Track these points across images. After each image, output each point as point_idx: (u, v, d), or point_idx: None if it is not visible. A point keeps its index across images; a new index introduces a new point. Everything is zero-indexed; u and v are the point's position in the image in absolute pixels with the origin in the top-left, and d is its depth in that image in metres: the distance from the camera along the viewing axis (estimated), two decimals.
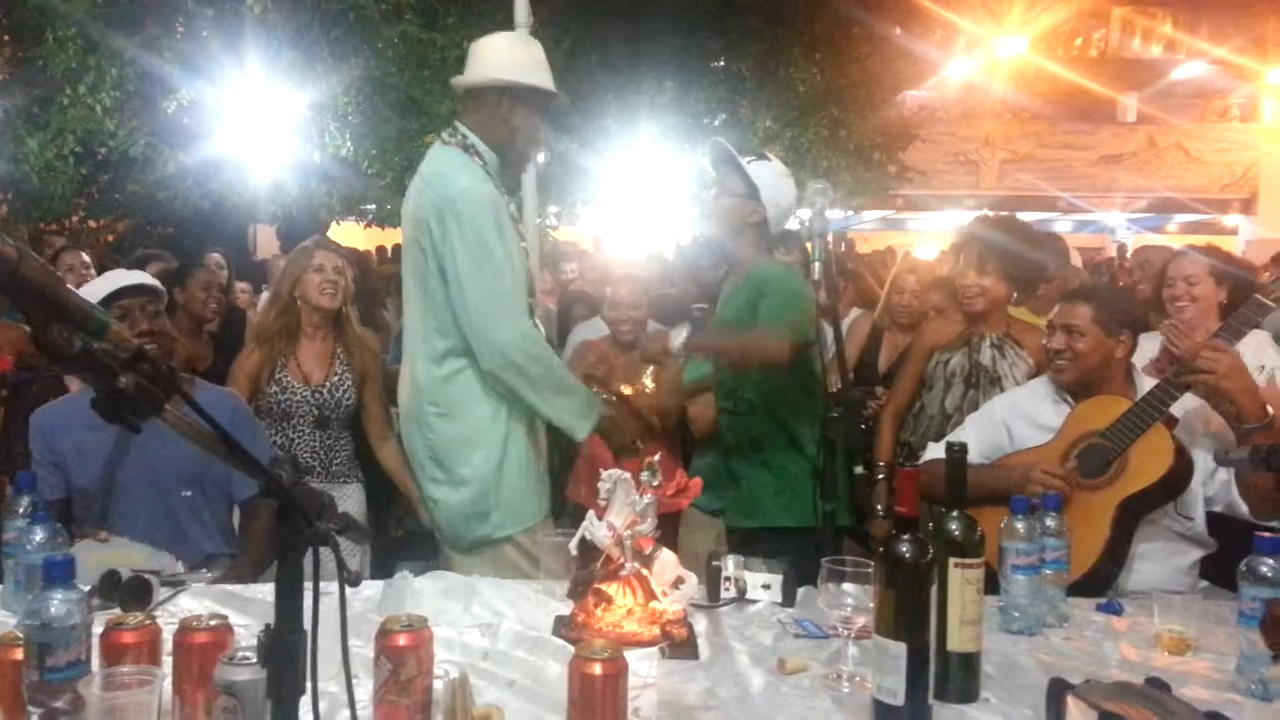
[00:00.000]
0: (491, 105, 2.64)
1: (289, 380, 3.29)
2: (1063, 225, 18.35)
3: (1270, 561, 1.81)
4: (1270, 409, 2.36)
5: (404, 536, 3.64)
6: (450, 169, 2.61)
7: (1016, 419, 2.74)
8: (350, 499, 3.40)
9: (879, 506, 3.26)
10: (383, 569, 3.66)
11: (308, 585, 1.23)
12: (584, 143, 7.27)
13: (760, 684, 1.76)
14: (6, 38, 7.15)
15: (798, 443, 2.94)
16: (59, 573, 1.44)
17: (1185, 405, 2.53)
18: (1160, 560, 2.53)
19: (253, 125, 6.67)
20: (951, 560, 1.73)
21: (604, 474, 2.00)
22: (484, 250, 2.52)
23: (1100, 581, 2.43)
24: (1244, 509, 2.47)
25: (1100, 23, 18.66)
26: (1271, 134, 17.79)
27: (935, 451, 2.76)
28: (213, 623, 1.57)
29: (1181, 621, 2.07)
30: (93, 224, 8.10)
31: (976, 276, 3.18)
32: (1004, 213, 3.94)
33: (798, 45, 8.04)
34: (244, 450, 1.18)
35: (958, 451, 1.84)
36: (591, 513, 2.01)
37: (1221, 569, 2.52)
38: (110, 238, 8.11)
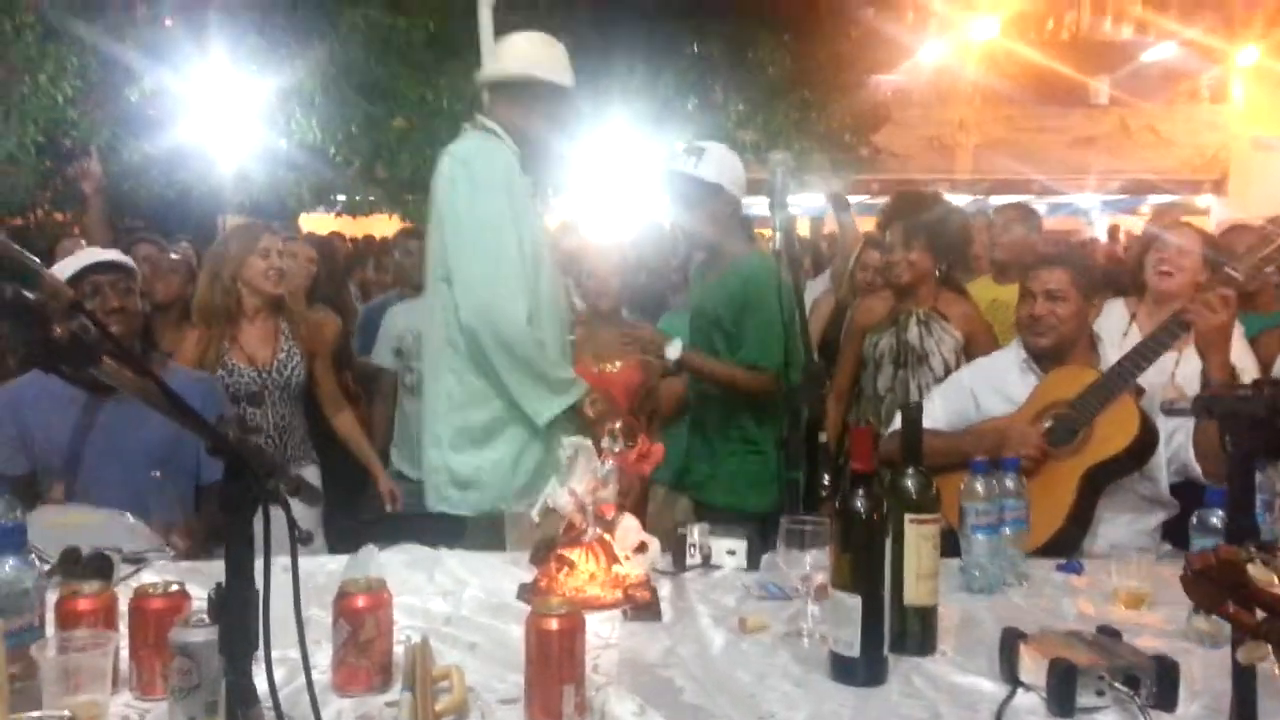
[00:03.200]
0: (513, 100, 2.68)
1: (235, 363, 3.23)
2: (1036, 208, 18.44)
3: (1220, 513, 1.84)
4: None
5: (376, 519, 3.62)
6: (471, 141, 2.67)
7: (984, 388, 2.77)
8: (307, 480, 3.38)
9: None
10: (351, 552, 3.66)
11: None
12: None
13: (721, 642, 1.77)
14: None
15: (767, 422, 2.99)
16: (9, 539, 1.43)
17: (1151, 379, 2.56)
18: (1125, 524, 2.56)
19: (218, 113, 6.61)
20: (907, 516, 1.75)
21: (564, 441, 2.01)
22: (488, 209, 2.53)
23: (1065, 546, 2.45)
24: (1198, 471, 2.51)
25: (1071, 4, 18.78)
26: (1241, 115, 17.96)
27: (899, 423, 2.79)
28: (170, 589, 1.57)
29: (1138, 577, 2.10)
30: (59, 217, 8.01)
31: (903, 251, 3.24)
32: (920, 190, 4.04)
33: (765, 28, 8.05)
34: (188, 406, 1.18)
35: (913, 411, 1.86)
36: (554, 479, 2.02)
37: (1182, 531, 2.57)
38: (77, 230, 8.00)
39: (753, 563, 2.19)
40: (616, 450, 1.98)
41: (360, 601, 1.55)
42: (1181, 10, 17.66)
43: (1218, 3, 17.15)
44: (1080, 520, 2.51)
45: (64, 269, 2.64)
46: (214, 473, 2.78)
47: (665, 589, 2.05)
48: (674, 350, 3.00)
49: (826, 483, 3.04)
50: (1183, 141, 17.91)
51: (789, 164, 2.54)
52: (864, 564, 1.60)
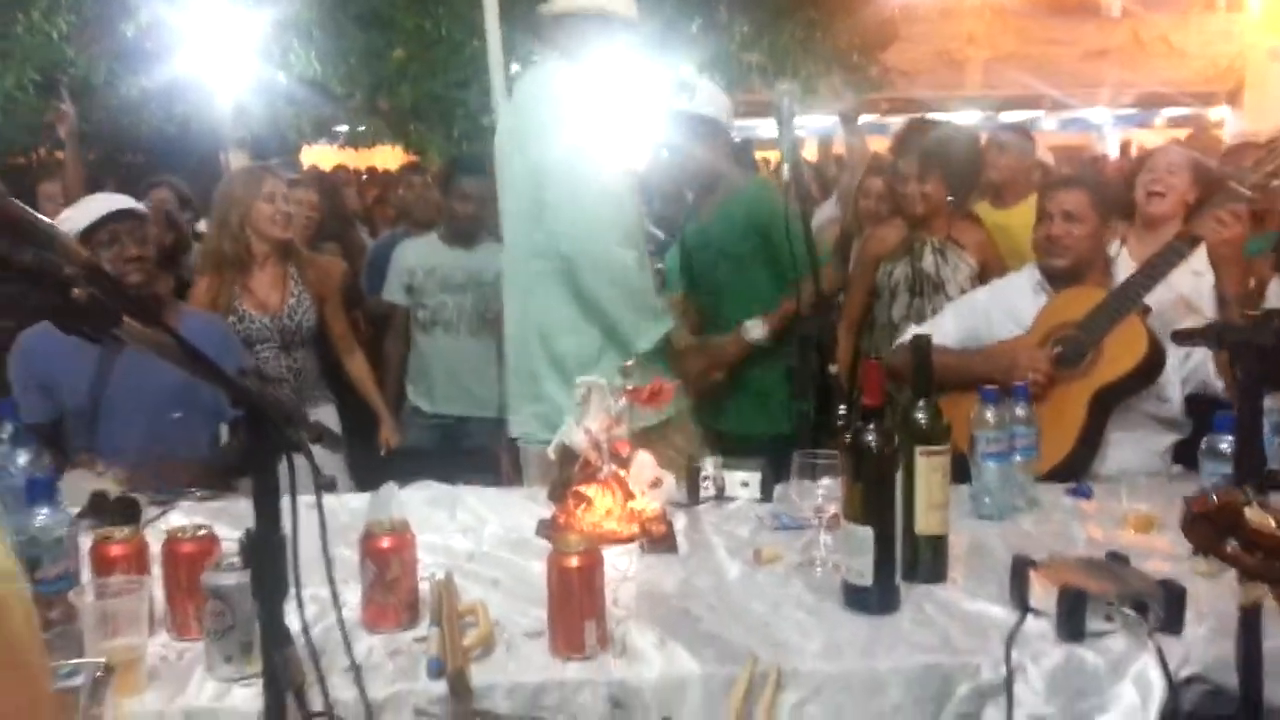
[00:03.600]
0: (580, 34, 2.65)
1: (246, 310, 3.25)
2: (1048, 124, 18.19)
3: (1229, 439, 1.86)
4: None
5: (389, 454, 3.68)
6: (547, 67, 2.66)
7: (998, 309, 2.77)
8: (324, 418, 3.42)
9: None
10: (370, 486, 3.73)
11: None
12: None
13: (736, 573, 1.82)
14: None
15: (773, 351, 3.01)
16: (42, 490, 1.47)
17: (1159, 296, 2.56)
18: (1135, 445, 2.57)
19: (215, 46, 6.50)
20: (918, 447, 1.77)
21: (579, 380, 2.03)
22: (576, 133, 2.52)
23: (1075, 468, 2.48)
24: (1218, 387, 2.51)
25: None
26: (1257, 24, 17.53)
27: (913, 333, 2.81)
28: (199, 533, 1.61)
29: (1147, 501, 2.14)
30: (59, 155, 7.94)
31: (917, 183, 3.23)
32: (932, 117, 4.00)
33: None
34: (208, 360, 1.20)
35: (923, 342, 1.87)
36: (569, 418, 2.05)
37: (1193, 452, 2.59)
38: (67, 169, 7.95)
39: (766, 494, 2.23)
40: (629, 388, 2.01)
41: (385, 542, 1.59)
42: None
43: None
44: (1090, 442, 2.53)
45: (80, 218, 2.63)
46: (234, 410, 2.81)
47: (680, 522, 2.09)
48: (757, 331, 3.01)
49: (843, 412, 3.07)
50: (1197, 53, 17.53)
51: (796, 93, 2.52)
52: (875, 496, 1.63)
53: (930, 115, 4.24)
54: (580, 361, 2.57)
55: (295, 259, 3.39)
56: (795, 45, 8.10)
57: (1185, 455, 2.60)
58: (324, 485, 1.33)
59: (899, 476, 1.66)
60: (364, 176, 8.94)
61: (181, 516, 2.17)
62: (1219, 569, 1.74)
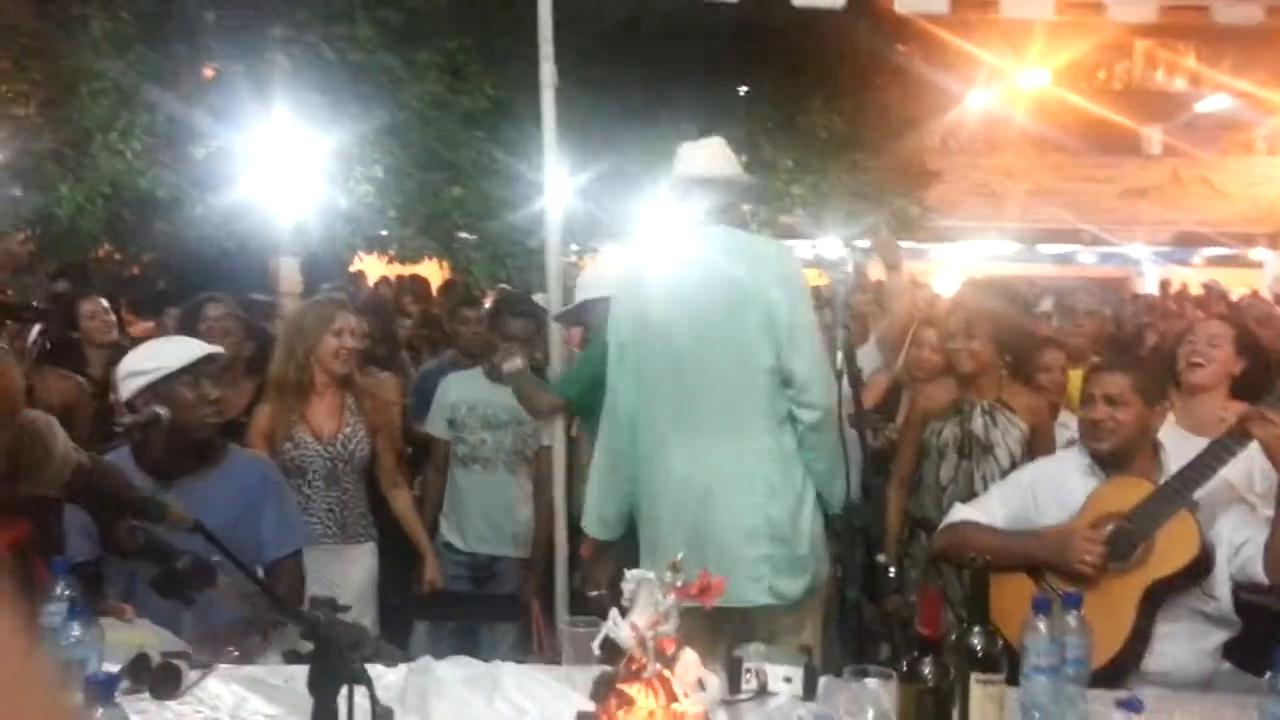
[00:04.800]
0: (733, 196, 2.93)
1: (302, 436, 3.29)
2: (1086, 258, 18.32)
3: None
4: None
5: (424, 596, 3.66)
6: (758, 242, 2.93)
7: (1044, 489, 2.74)
8: (364, 558, 3.42)
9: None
10: (401, 626, 3.70)
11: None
12: (605, 186, 7.32)
13: None
14: (38, 78, 7.23)
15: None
16: (103, 691, 1.47)
17: (1208, 485, 2.53)
18: (1184, 642, 2.51)
19: (279, 170, 6.75)
20: (973, 675, 1.74)
21: (628, 574, 2.01)
22: (814, 310, 2.80)
23: (1125, 666, 2.42)
24: (1264, 581, 2.43)
25: (1123, 55, 18.64)
26: None
27: (960, 513, 2.78)
28: None
29: (1200, 717, 2.06)
30: (117, 256, 8.19)
31: (965, 340, 3.22)
32: (992, 278, 4.02)
33: (819, 95, 8.10)
34: (285, 602, 1.22)
35: (980, 569, 1.85)
36: (615, 611, 2.02)
37: (1243, 650, 2.52)
38: (136, 269, 8.21)
39: (809, 692, 2.18)
40: (678, 584, 1.99)
41: None
42: (1235, 62, 17.48)
43: (1272, 55, 16.95)
44: (1142, 638, 2.47)
45: (168, 360, 2.63)
46: (275, 550, 2.81)
47: None
48: None
49: (892, 573, 3.02)
50: (1237, 194, 17.70)
51: (849, 284, 2.57)
52: None
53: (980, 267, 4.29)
54: (797, 518, 2.67)
55: (353, 389, 3.43)
56: (839, 187, 8.31)
57: (1235, 652, 2.53)
58: (380, 716, 1.33)
59: (955, 713, 1.62)
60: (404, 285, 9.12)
61: (220, 683, 2.15)
62: None
